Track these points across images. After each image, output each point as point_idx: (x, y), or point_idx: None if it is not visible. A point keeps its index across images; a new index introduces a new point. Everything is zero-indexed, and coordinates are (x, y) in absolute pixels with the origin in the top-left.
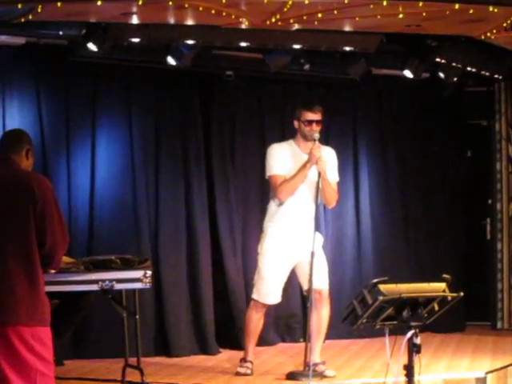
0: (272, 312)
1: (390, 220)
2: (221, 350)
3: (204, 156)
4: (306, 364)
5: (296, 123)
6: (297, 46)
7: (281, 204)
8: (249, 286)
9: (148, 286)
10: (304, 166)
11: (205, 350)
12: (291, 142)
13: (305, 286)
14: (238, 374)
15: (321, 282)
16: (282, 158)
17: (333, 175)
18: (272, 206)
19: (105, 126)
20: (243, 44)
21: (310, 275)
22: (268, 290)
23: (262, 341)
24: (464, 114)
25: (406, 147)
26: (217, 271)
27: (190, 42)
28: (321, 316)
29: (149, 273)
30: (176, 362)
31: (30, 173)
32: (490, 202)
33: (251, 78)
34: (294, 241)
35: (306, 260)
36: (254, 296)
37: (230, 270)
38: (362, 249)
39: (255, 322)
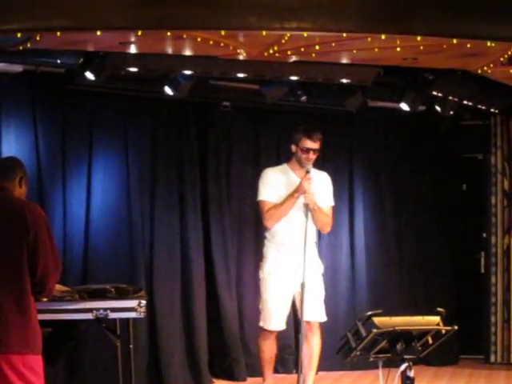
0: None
1: (385, 252)
2: (214, 379)
3: (200, 186)
4: None
5: (293, 148)
6: (294, 78)
7: (272, 229)
8: (243, 315)
9: (142, 315)
10: (291, 195)
11: (198, 379)
12: (285, 166)
13: (301, 316)
14: None
15: (311, 313)
16: (273, 184)
17: (327, 200)
18: (267, 231)
19: (101, 155)
20: (240, 75)
21: (301, 307)
22: (271, 315)
23: (255, 372)
24: (460, 148)
25: (401, 180)
26: (211, 300)
27: (188, 72)
28: (311, 347)
29: (143, 302)
30: None
31: (22, 200)
32: (484, 235)
33: (248, 108)
34: (292, 265)
35: (302, 289)
36: (261, 323)
37: (223, 300)
38: (357, 280)
39: (266, 349)
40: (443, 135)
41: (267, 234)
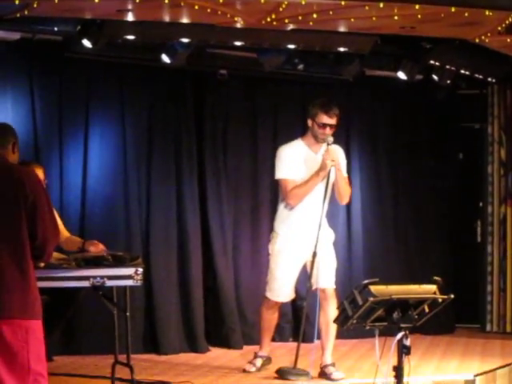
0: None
1: (381, 221)
2: (210, 348)
3: (196, 154)
4: (296, 363)
5: (310, 122)
6: (291, 46)
7: (291, 207)
8: (239, 284)
9: (139, 283)
10: (316, 173)
11: (194, 347)
12: (300, 141)
13: (313, 285)
14: (243, 370)
15: (326, 280)
16: (291, 161)
17: (342, 172)
18: (282, 207)
19: (98, 123)
20: (238, 43)
21: (310, 275)
22: (280, 288)
23: (251, 340)
24: (457, 117)
25: (398, 148)
26: (207, 269)
27: (185, 40)
28: (327, 315)
29: (140, 270)
30: (165, 360)
31: (20, 166)
32: (481, 204)
33: (245, 77)
34: (304, 240)
35: (316, 258)
36: (267, 294)
37: (220, 269)
38: (353, 250)
39: (268, 318)
40: (440, 104)
41: (282, 211)
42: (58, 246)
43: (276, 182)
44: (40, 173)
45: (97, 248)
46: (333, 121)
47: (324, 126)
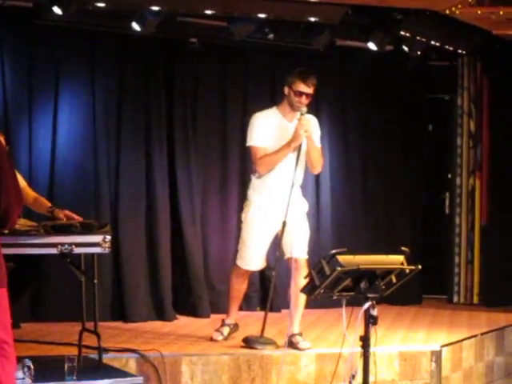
0: (228, 280)
1: (350, 192)
2: (177, 316)
3: (166, 123)
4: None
5: (286, 90)
6: (262, 15)
7: (262, 175)
8: (207, 253)
9: (107, 250)
10: (288, 144)
11: (162, 316)
12: (275, 109)
13: (285, 254)
14: (210, 338)
15: (298, 250)
16: (264, 129)
17: (316, 142)
18: (255, 175)
19: (67, 90)
20: (208, 12)
21: (279, 245)
22: (251, 257)
23: (219, 309)
24: (427, 88)
25: (367, 119)
26: (175, 239)
27: (155, 8)
28: (297, 285)
29: (108, 238)
30: (132, 328)
31: None
32: (449, 176)
33: (215, 45)
34: (277, 209)
35: (287, 228)
36: (238, 262)
37: (188, 238)
38: (321, 220)
39: (237, 286)
40: (410, 75)
41: (255, 179)
42: (25, 208)
43: (247, 149)
44: (1, 138)
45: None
46: (310, 90)
47: (300, 94)
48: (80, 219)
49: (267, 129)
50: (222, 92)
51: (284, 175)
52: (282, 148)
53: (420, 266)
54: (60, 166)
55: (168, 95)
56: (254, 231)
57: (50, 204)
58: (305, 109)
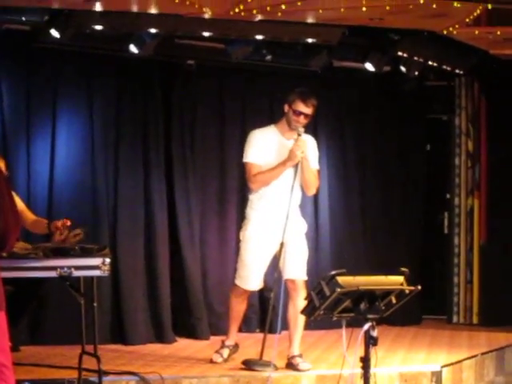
0: (227, 302)
1: (349, 212)
2: (177, 338)
3: (164, 144)
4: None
5: (286, 107)
6: (259, 37)
7: (259, 192)
8: (206, 275)
9: (106, 273)
10: (283, 163)
11: (161, 338)
12: (273, 127)
13: (284, 276)
14: (210, 360)
15: (296, 271)
16: (260, 146)
17: (313, 163)
18: (253, 194)
19: (65, 113)
20: (206, 34)
21: (277, 266)
22: (250, 276)
23: (218, 330)
24: (424, 108)
25: (365, 140)
26: (174, 260)
27: (153, 30)
28: (296, 307)
29: (107, 260)
30: (132, 350)
31: None
32: (448, 196)
33: (213, 67)
34: (275, 229)
35: (286, 248)
36: (236, 282)
37: (187, 260)
38: (320, 240)
39: (236, 306)
40: (408, 96)
41: (252, 196)
42: (23, 231)
43: (243, 166)
44: (1, 163)
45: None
46: (309, 110)
47: (299, 113)
48: (67, 222)
49: (264, 146)
50: (219, 113)
51: (282, 194)
52: (277, 166)
53: (419, 287)
54: (58, 188)
55: (166, 116)
56: (252, 250)
57: (46, 221)
58: (302, 129)
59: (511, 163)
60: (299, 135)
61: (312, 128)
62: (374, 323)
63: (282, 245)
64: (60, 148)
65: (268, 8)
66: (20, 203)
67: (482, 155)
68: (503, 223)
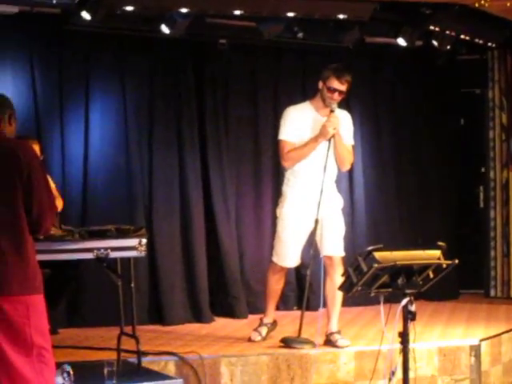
0: (264, 280)
1: (383, 188)
2: (215, 318)
3: (197, 125)
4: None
5: (320, 84)
6: (290, 14)
7: (294, 169)
8: (243, 253)
9: (143, 254)
10: (315, 139)
11: (199, 318)
12: (308, 104)
13: (321, 252)
14: (249, 339)
15: (333, 247)
16: (295, 123)
17: (347, 138)
18: (289, 171)
19: (98, 94)
20: (237, 12)
21: (313, 243)
22: (287, 253)
23: (256, 309)
24: (457, 82)
25: (399, 115)
26: (211, 239)
27: (184, 10)
28: (334, 283)
29: (144, 241)
30: (170, 331)
31: (15, 140)
32: (483, 170)
33: (245, 46)
34: (311, 205)
35: (322, 224)
36: (274, 259)
37: (223, 238)
38: (356, 216)
39: (274, 284)
40: (440, 70)
41: (288, 174)
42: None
43: (277, 142)
44: (36, 147)
45: None
46: (343, 87)
47: (334, 90)
48: None
49: (299, 123)
50: (252, 91)
51: (316, 171)
52: (309, 143)
53: (457, 261)
54: (93, 170)
55: (199, 96)
56: (289, 226)
57: None
58: (335, 105)
59: None
60: (332, 111)
61: (345, 104)
62: (412, 298)
63: (316, 221)
64: (94, 130)
65: None
66: (53, 189)
67: None
68: None
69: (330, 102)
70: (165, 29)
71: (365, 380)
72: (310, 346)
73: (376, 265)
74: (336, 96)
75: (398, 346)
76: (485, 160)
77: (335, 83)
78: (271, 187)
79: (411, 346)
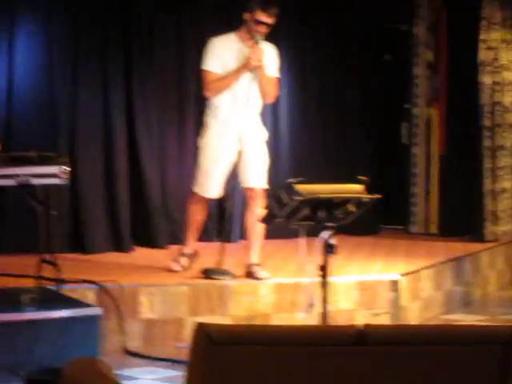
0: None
1: (308, 123)
2: (135, 247)
3: (122, 53)
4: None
5: (246, 15)
6: None
7: (216, 103)
8: (165, 184)
9: (65, 181)
10: (238, 70)
11: (119, 247)
12: (233, 35)
13: (243, 184)
14: (168, 269)
15: (255, 179)
16: (219, 54)
17: (272, 71)
18: (210, 101)
19: (24, 22)
20: None
21: (236, 174)
22: (208, 183)
23: (177, 239)
24: (383, 18)
25: (323, 50)
26: (133, 169)
27: None
28: (254, 215)
29: (66, 169)
30: (91, 259)
31: None
32: (407, 106)
33: None
34: (234, 135)
35: (245, 156)
36: (195, 189)
37: (146, 168)
38: (280, 150)
39: (195, 214)
40: (366, 5)
41: (210, 105)
42: None
43: (200, 72)
44: None
45: None
46: (270, 20)
47: (260, 23)
48: None
49: (222, 54)
50: (178, 20)
51: (240, 102)
52: (231, 74)
53: (379, 196)
54: (17, 97)
55: (124, 24)
56: (211, 156)
57: None
58: (260, 37)
59: (471, 73)
60: (256, 43)
61: (272, 37)
62: (333, 232)
63: (239, 152)
64: (18, 58)
65: None
66: None
67: (442, 65)
68: (462, 133)
69: (257, 35)
70: None
71: (284, 312)
72: (230, 277)
73: (297, 197)
74: (263, 29)
75: (317, 280)
76: (409, 97)
77: (262, 16)
78: (194, 117)
79: (331, 279)
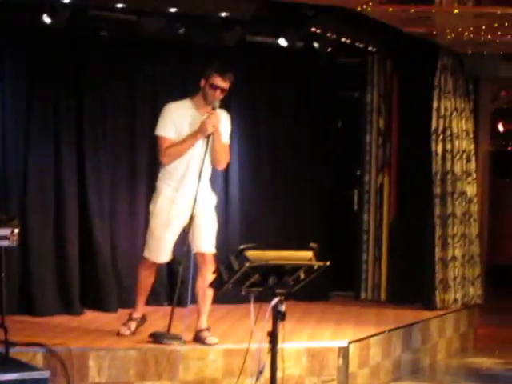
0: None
1: (259, 187)
2: (85, 310)
3: (75, 117)
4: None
5: (203, 82)
6: (172, 10)
7: (169, 167)
8: (115, 248)
9: (15, 244)
10: (194, 135)
11: (69, 310)
12: (188, 101)
13: (193, 249)
14: (117, 333)
15: (205, 245)
16: (174, 120)
17: (224, 137)
18: (164, 166)
19: None
20: (119, 5)
21: (186, 239)
22: (159, 249)
23: (126, 303)
24: (337, 85)
25: (277, 116)
26: (84, 233)
27: (66, 0)
28: (205, 280)
29: (16, 231)
30: (40, 321)
31: None
32: (358, 173)
33: (125, 39)
34: (185, 202)
35: (196, 221)
36: (145, 254)
37: (97, 232)
38: (230, 214)
39: (145, 279)
40: (320, 72)
41: (163, 171)
42: None
43: (155, 139)
44: None
45: None
46: (225, 85)
47: (216, 88)
48: None
49: (177, 120)
50: (132, 86)
51: (192, 168)
52: (188, 139)
53: (328, 263)
54: None
55: (78, 89)
56: (161, 222)
57: None
58: (217, 103)
59: (421, 141)
60: (214, 108)
61: (225, 103)
62: (283, 298)
63: (191, 218)
64: None
65: None
66: None
67: (393, 133)
68: (413, 201)
69: (212, 100)
70: (46, 19)
71: (232, 378)
72: (179, 342)
73: (247, 263)
74: (218, 94)
75: (266, 346)
76: (361, 163)
77: (218, 81)
78: (146, 182)
79: (280, 345)
